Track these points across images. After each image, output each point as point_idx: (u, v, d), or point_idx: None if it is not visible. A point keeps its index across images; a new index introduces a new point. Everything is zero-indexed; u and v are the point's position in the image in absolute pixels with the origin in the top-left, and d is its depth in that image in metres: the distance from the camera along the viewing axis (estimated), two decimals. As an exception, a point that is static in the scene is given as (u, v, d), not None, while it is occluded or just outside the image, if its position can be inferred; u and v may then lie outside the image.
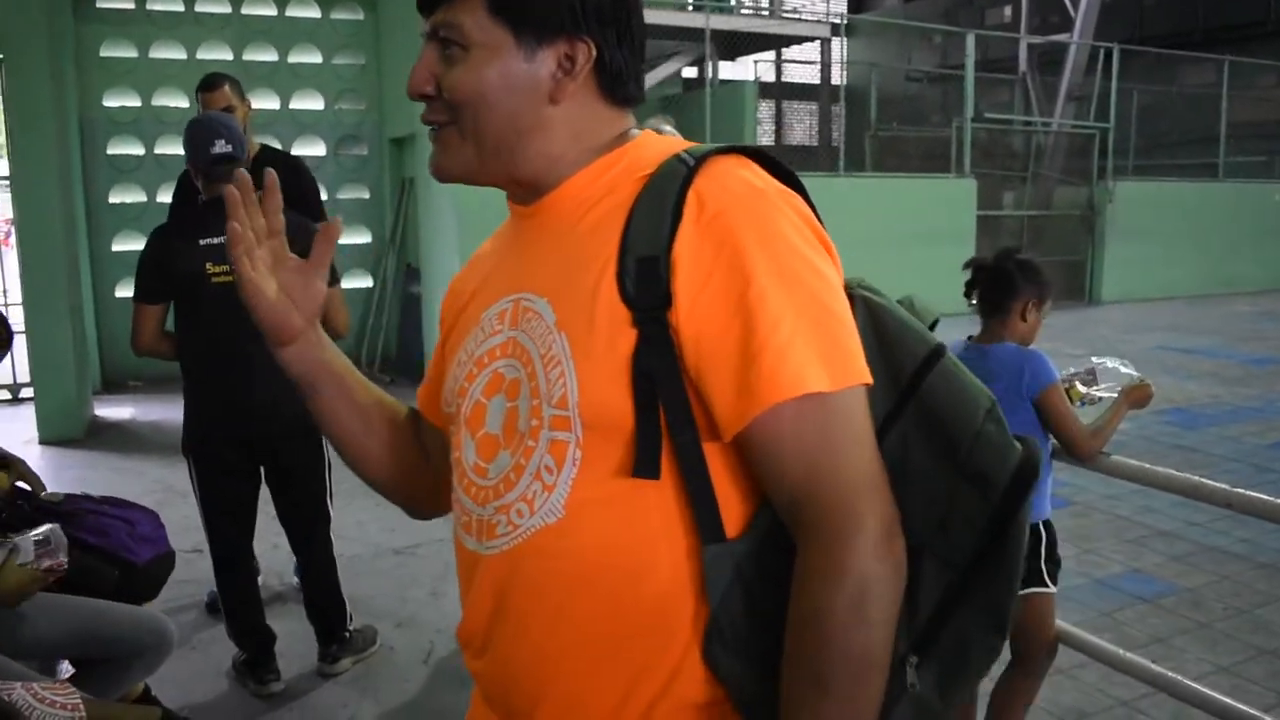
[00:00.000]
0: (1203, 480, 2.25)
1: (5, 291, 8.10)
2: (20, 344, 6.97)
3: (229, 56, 8.78)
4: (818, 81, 18.65)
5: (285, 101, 9.07)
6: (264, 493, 3.31)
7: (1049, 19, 17.97)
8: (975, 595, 0.98)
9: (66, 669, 2.59)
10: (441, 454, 1.19)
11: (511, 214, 1.13)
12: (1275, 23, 17.62)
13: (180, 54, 8.68)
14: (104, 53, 8.51)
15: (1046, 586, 2.54)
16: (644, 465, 0.94)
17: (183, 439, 3.24)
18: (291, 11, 9.06)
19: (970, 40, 13.59)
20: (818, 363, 0.91)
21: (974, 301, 2.68)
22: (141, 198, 8.61)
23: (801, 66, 19.73)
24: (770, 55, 19.10)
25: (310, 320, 1.15)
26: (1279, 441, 6.55)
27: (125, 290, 7.92)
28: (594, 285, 0.97)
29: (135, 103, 8.58)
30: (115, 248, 8.49)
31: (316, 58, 9.12)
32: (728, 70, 18.08)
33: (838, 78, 16.34)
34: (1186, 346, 10.34)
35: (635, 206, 0.98)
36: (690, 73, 16.46)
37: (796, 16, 17.14)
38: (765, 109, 19.43)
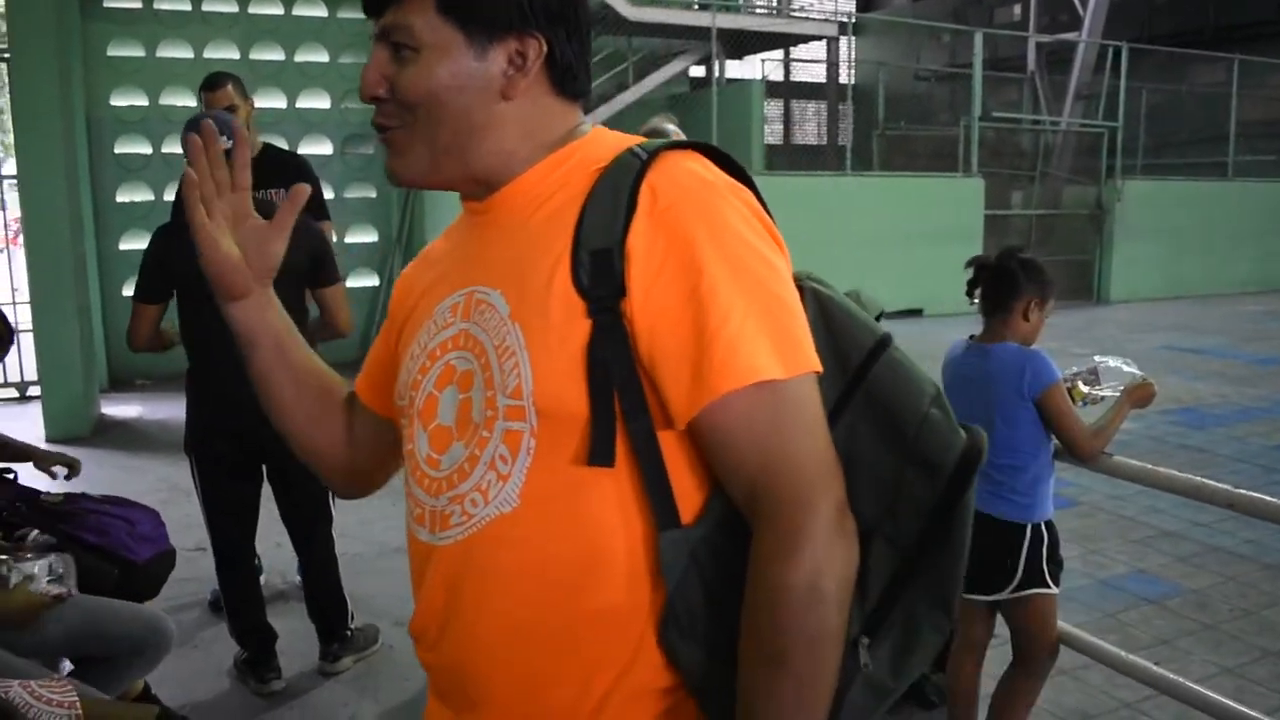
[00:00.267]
0: (1205, 481, 2.24)
1: (14, 290, 8.13)
2: (28, 342, 7.05)
3: (236, 55, 8.80)
4: (825, 81, 18.63)
5: (292, 100, 9.09)
6: (267, 492, 3.31)
7: (1058, 18, 17.91)
8: (923, 577, 1.01)
9: (66, 666, 2.59)
10: (370, 439, 1.25)
11: (464, 211, 1.15)
12: (1285, 21, 17.55)
13: (187, 53, 8.70)
14: (111, 52, 8.54)
15: (1048, 587, 2.53)
16: (599, 453, 0.95)
17: (185, 437, 3.25)
18: (298, 10, 9.07)
19: (978, 39, 13.56)
20: (769, 351, 0.93)
21: (975, 300, 2.67)
22: (149, 196, 8.64)
23: (809, 66, 19.72)
24: (778, 54, 19.07)
25: (262, 280, 1.17)
26: (1287, 442, 6.51)
27: (132, 289, 7.94)
28: (548, 277, 0.98)
29: (142, 102, 8.61)
30: (122, 246, 8.52)
31: (323, 57, 9.14)
32: (735, 69, 18.06)
33: (845, 77, 16.32)
34: (1194, 346, 10.29)
35: (589, 200, 0.99)
36: (697, 72, 16.44)
37: (804, 15, 17.11)
38: (773, 108, 19.42)
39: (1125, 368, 2.71)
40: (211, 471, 3.18)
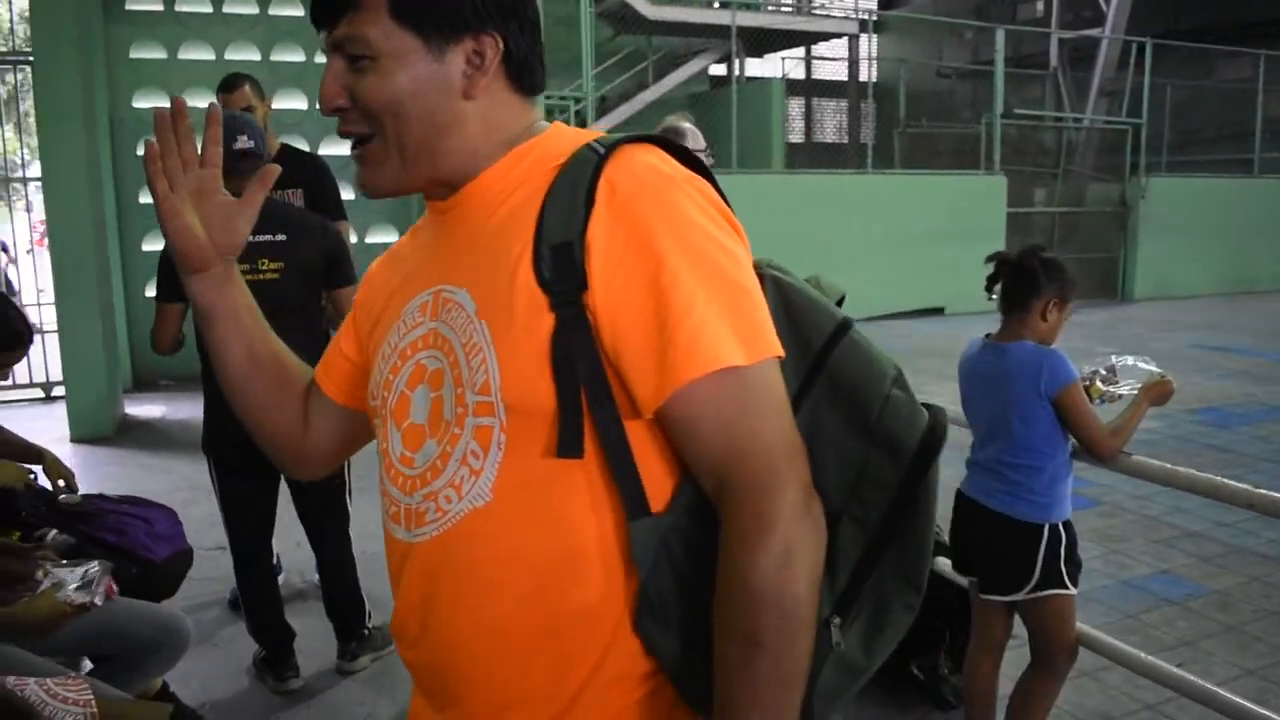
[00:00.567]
0: (1225, 481, 2.21)
1: (39, 291, 8.21)
2: (53, 343, 7.12)
3: (257, 57, 8.85)
4: (847, 79, 18.56)
5: (313, 101, 9.12)
6: (286, 491, 3.33)
7: (1082, 13, 17.76)
8: (891, 556, 1.03)
9: (85, 665, 2.61)
10: (325, 427, 1.29)
11: (429, 211, 1.16)
12: (1313, 16, 17.34)
13: (209, 55, 8.76)
14: (134, 54, 8.60)
15: (1066, 588, 2.50)
16: (567, 445, 0.97)
17: (203, 437, 3.26)
18: (319, 12, 9.11)
19: (1000, 35, 13.46)
20: (732, 338, 0.94)
21: (994, 296, 2.64)
22: (171, 198, 8.69)
23: (831, 64, 19.64)
24: (799, 52, 19.01)
25: (225, 255, 1.19)
26: (1314, 441, 6.44)
27: (154, 289, 8.00)
28: (511, 273, 0.99)
29: (165, 103, 8.62)
30: (146, 247, 8.58)
31: (344, 58, 9.17)
32: (756, 68, 18.02)
33: (866, 75, 16.26)
34: (1219, 344, 10.19)
35: (549, 195, 1.01)
36: (718, 70, 16.42)
37: (825, 13, 17.06)
38: (795, 107, 19.35)
39: (1143, 365, 2.68)
40: (228, 471, 3.19)
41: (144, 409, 7.65)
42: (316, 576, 3.93)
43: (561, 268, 0.97)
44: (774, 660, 0.93)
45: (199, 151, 1.15)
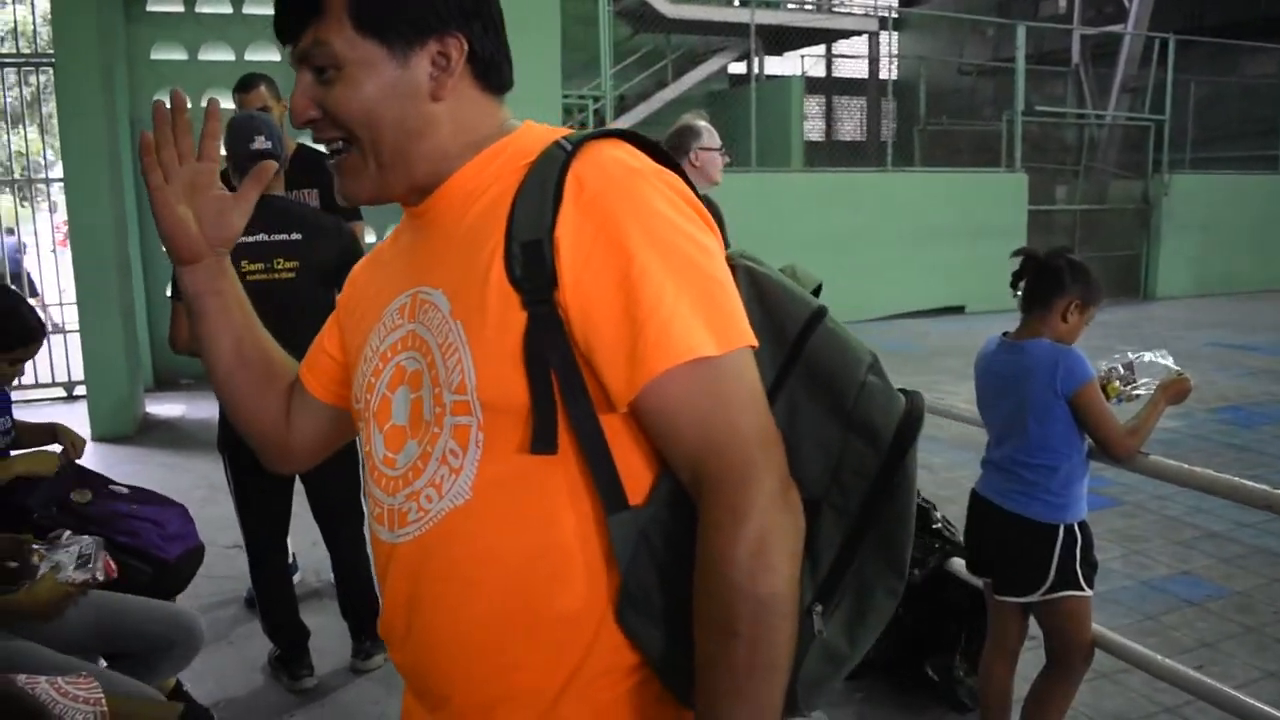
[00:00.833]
0: (1243, 481, 2.18)
1: (61, 291, 8.27)
2: (74, 343, 7.17)
3: (276, 58, 8.87)
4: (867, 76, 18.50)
5: (331, 102, 9.16)
6: (302, 490, 3.34)
7: (1104, 9, 17.62)
8: (872, 543, 1.03)
9: (100, 664, 2.63)
10: (307, 423, 1.31)
11: (405, 215, 1.17)
12: (1339, 11, 17.15)
13: (229, 55, 8.80)
14: (154, 55, 8.65)
15: (1082, 590, 2.48)
16: (541, 442, 0.97)
17: (218, 435, 3.27)
18: (338, 12, 9.14)
19: (1021, 32, 13.38)
20: (703, 329, 0.94)
21: (1018, 294, 2.62)
22: (192, 198, 8.74)
23: (851, 61, 19.58)
24: (818, 50, 18.97)
25: (216, 248, 1.20)
26: (1338, 441, 6.36)
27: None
28: (484, 272, 1.00)
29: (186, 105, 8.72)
30: (166, 247, 8.62)
31: (362, 58, 9.21)
32: (775, 66, 17.98)
33: (886, 72, 16.19)
34: (1243, 343, 10.10)
35: (518, 194, 1.01)
36: (737, 69, 16.40)
37: (845, 11, 17.01)
38: (815, 105, 19.30)
39: (1161, 360, 2.65)
40: (244, 470, 3.20)
41: (165, 408, 7.70)
42: (332, 576, 3.94)
43: (532, 265, 0.97)
44: (751, 650, 0.93)
45: (197, 145, 1.17)
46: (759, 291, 1.06)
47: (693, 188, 1.06)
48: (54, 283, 8.79)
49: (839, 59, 19.99)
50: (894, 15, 16.78)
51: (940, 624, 3.08)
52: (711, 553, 0.95)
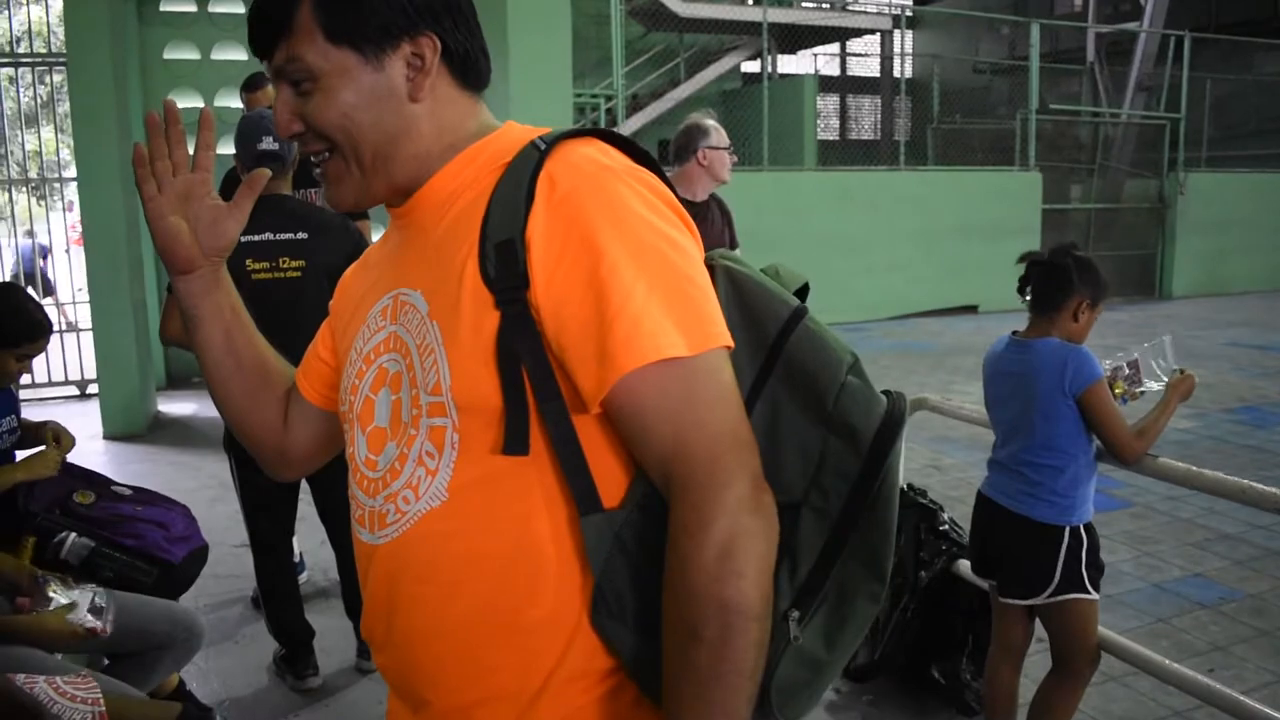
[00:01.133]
0: (1252, 484, 2.16)
1: (75, 289, 8.32)
2: (87, 341, 7.20)
3: (288, 57, 8.91)
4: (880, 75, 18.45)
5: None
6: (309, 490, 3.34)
7: (1120, 7, 17.53)
8: (853, 547, 1.01)
9: (103, 663, 2.63)
10: (305, 429, 1.30)
11: (390, 217, 1.17)
12: (1357, 7, 17.01)
13: (241, 55, 8.83)
14: (167, 55, 8.69)
15: (1088, 592, 2.45)
16: (513, 442, 0.97)
17: (224, 435, 3.28)
18: (350, 12, 9.16)
19: (1035, 30, 13.32)
20: (673, 329, 0.93)
21: (1027, 298, 2.59)
22: (204, 197, 8.78)
23: (866, 60, 19.53)
24: (833, 49, 18.92)
25: (212, 259, 1.21)
26: (1355, 442, 6.30)
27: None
28: (459, 273, 1.00)
29: (198, 104, 8.75)
30: (179, 246, 8.65)
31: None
32: (789, 64, 17.95)
33: (900, 71, 16.14)
34: (1259, 343, 10.03)
35: (494, 194, 1.01)
36: (751, 67, 16.37)
37: (859, 9, 16.96)
38: (830, 103, 19.25)
39: (1162, 362, 2.62)
40: (249, 469, 3.20)
41: (176, 406, 7.74)
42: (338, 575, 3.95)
43: (505, 265, 0.96)
44: (714, 655, 0.92)
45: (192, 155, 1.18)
46: (738, 292, 1.05)
47: (673, 189, 1.05)
48: (68, 281, 8.85)
49: (853, 58, 19.94)
50: (908, 13, 16.72)
51: (947, 626, 3.05)
52: (677, 555, 0.94)
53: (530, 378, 0.96)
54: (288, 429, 1.32)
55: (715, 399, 0.95)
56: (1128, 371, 2.60)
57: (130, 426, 6.84)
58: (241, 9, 8.84)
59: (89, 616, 2.27)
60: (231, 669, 3.43)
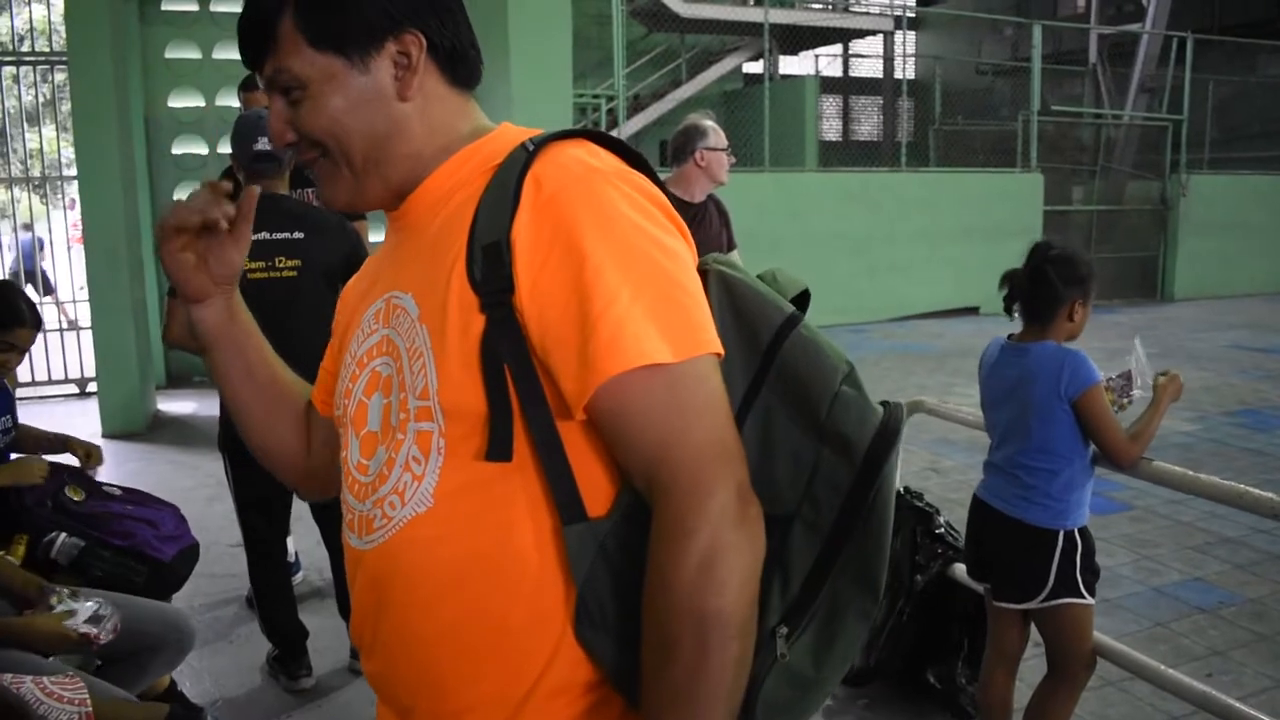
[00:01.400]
0: (1247, 488, 2.14)
1: (75, 288, 8.32)
2: (87, 339, 7.20)
3: (289, 56, 8.90)
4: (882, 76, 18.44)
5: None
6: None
7: (1123, 8, 17.51)
8: (846, 562, 0.98)
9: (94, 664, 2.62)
10: (324, 445, 1.28)
11: (388, 220, 1.16)
12: (1361, 9, 16.98)
13: (242, 54, 8.84)
14: (169, 54, 8.69)
15: (1083, 597, 2.44)
16: (496, 448, 0.95)
17: (219, 434, 3.27)
18: (350, 11, 9.16)
19: (1037, 31, 13.31)
20: (657, 335, 0.91)
21: (1016, 315, 2.57)
22: (205, 196, 8.78)
23: (868, 61, 19.52)
24: (835, 50, 18.92)
25: (223, 286, 1.21)
26: (1356, 445, 6.28)
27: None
28: (447, 276, 0.99)
29: (199, 103, 8.75)
30: (179, 246, 8.65)
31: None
32: (792, 65, 17.94)
33: (901, 72, 16.13)
34: (1262, 345, 10.01)
35: (483, 197, 1.00)
36: (753, 68, 16.37)
37: (861, 10, 16.95)
38: (833, 105, 19.24)
39: (1139, 354, 2.61)
40: (243, 468, 3.20)
41: (176, 405, 7.73)
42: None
43: (491, 268, 0.95)
44: (690, 671, 0.90)
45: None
46: (731, 297, 1.03)
47: (662, 188, 1.04)
48: (69, 280, 8.86)
49: (855, 59, 19.93)
50: (910, 14, 16.71)
51: (943, 631, 3.04)
52: (657, 566, 0.92)
53: (515, 383, 0.95)
54: (310, 449, 1.32)
55: (701, 406, 0.93)
56: (1120, 383, 2.59)
57: (130, 425, 6.84)
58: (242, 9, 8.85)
59: (85, 623, 2.26)
60: (225, 669, 3.42)
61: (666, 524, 0.91)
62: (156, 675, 2.59)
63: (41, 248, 9.81)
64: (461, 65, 1.09)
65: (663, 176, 1.14)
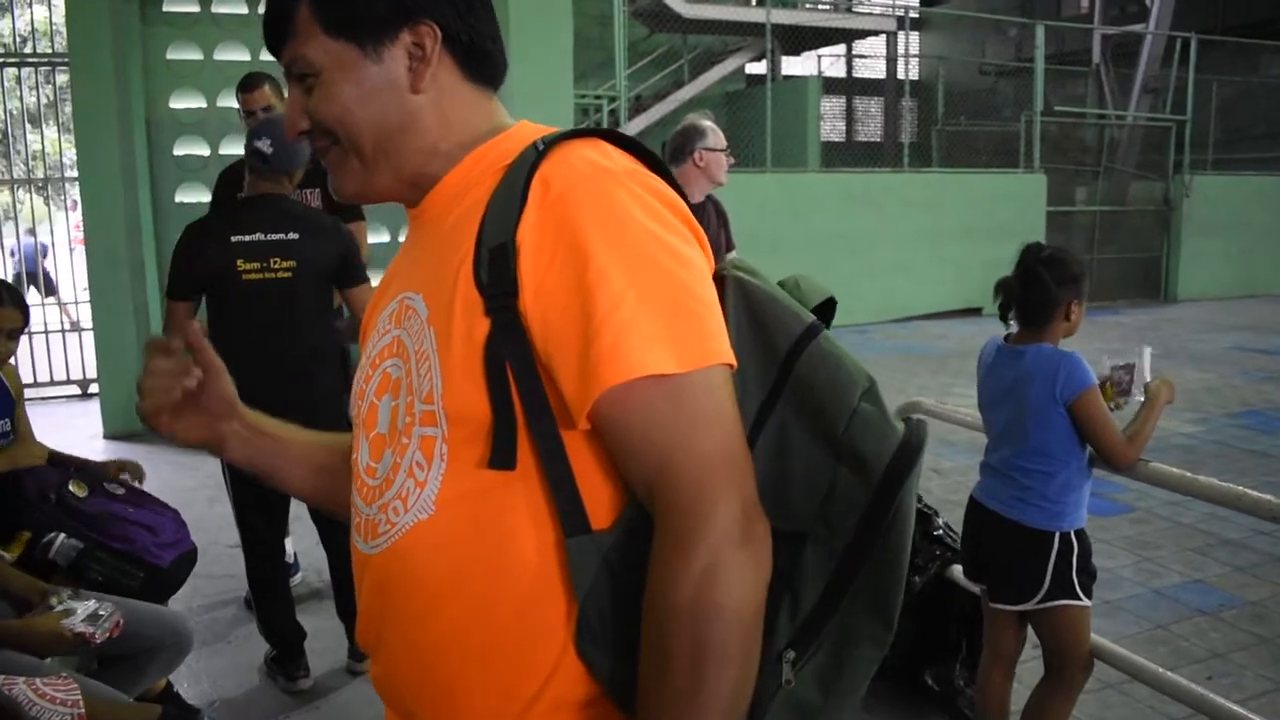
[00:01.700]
0: (1246, 491, 2.13)
1: (77, 289, 8.33)
2: (89, 341, 7.21)
3: (290, 58, 8.90)
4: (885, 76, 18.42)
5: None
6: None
7: (1126, 9, 17.46)
8: (860, 586, 0.94)
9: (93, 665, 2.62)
10: None
11: (408, 218, 1.14)
12: (1365, 10, 16.93)
13: (244, 55, 8.82)
14: (170, 55, 8.68)
15: (1079, 599, 2.43)
16: (499, 456, 0.93)
17: (217, 435, 3.27)
18: (353, 12, 9.17)
19: (1040, 32, 13.30)
20: (663, 343, 0.88)
21: (1011, 322, 2.57)
22: (206, 197, 8.70)
23: (871, 61, 19.50)
24: (838, 50, 18.90)
25: (230, 417, 1.23)
26: (1359, 447, 6.25)
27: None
28: (454, 278, 0.96)
29: (200, 104, 8.75)
30: (181, 246, 8.66)
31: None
32: (794, 66, 17.93)
33: (904, 72, 16.12)
34: (1265, 347, 9.98)
35: (492, 197, 0.97)
36: (755, 69, 16.36)
37: (864, 10, 16.94)
38: (836, 105, 19.22)
39: (1145, 362, 2.60)
40: (240, 471, 3.19)
41: (178, 406, 7.72)
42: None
43: (496, 270, 0.92)
44: (682, 694, 0.86)
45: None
46: (750, 305, 0.99)
47: (680, 191, 1.01)
48: (71, 281, 8.87)
49: (858, 59, 19.91)
50: (914, 15, 16.69)
51: (941, 632, 3.03)
52: (656, 581, 0.88)
53: (519, 390, 0.92)
54: None
55: (709, 418, 0.89)
56: (1125, 376, 2.58)
57: (131, 426, 6.83)
58: (245, 9, 8.84)
59: (81, 623, 2.25)
60: (223, 670, 3.42)
61: (666, 540, 0.88)
62: (154, 678, 2.59)
63: (45, 254, 9.84)
64: (481, 61, 1.06)
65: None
